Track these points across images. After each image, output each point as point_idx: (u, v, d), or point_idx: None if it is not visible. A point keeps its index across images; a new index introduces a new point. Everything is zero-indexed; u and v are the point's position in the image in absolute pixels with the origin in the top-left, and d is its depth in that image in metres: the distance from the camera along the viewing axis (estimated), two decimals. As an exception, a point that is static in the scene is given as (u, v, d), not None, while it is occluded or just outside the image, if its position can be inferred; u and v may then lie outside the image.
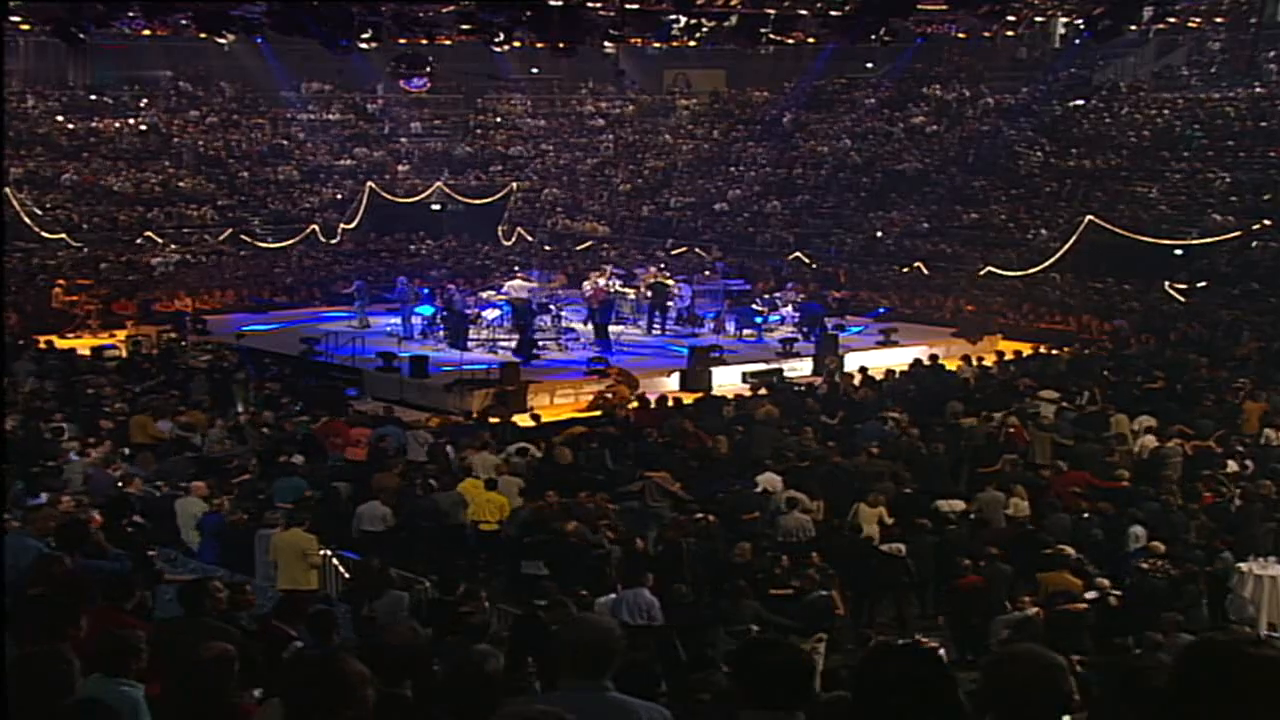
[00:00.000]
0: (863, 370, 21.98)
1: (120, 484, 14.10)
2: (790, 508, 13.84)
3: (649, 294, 27.98)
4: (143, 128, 40.77)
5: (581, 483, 14.97)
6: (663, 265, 32.45)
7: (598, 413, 20.52)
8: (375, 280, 31.37)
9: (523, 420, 19.47)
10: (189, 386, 20.68)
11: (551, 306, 27.03)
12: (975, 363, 22.55)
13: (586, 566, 12.57)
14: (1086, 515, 13.68)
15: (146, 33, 33.80)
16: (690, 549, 12.82)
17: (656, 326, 27.81)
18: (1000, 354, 23.49)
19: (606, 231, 40.60)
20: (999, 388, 20.66)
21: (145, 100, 41.93)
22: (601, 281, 28.36)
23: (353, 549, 13.18)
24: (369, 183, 41.33)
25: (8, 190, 33.95)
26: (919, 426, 17.51)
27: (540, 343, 25.29)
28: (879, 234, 35.60)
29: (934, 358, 23.13)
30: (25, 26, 33.92)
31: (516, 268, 33.49)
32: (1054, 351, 23.96)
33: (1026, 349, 24.79)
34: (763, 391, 21.36)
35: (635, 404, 20.46)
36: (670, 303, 28.27)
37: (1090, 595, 11.40)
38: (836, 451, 16.29)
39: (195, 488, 14.01)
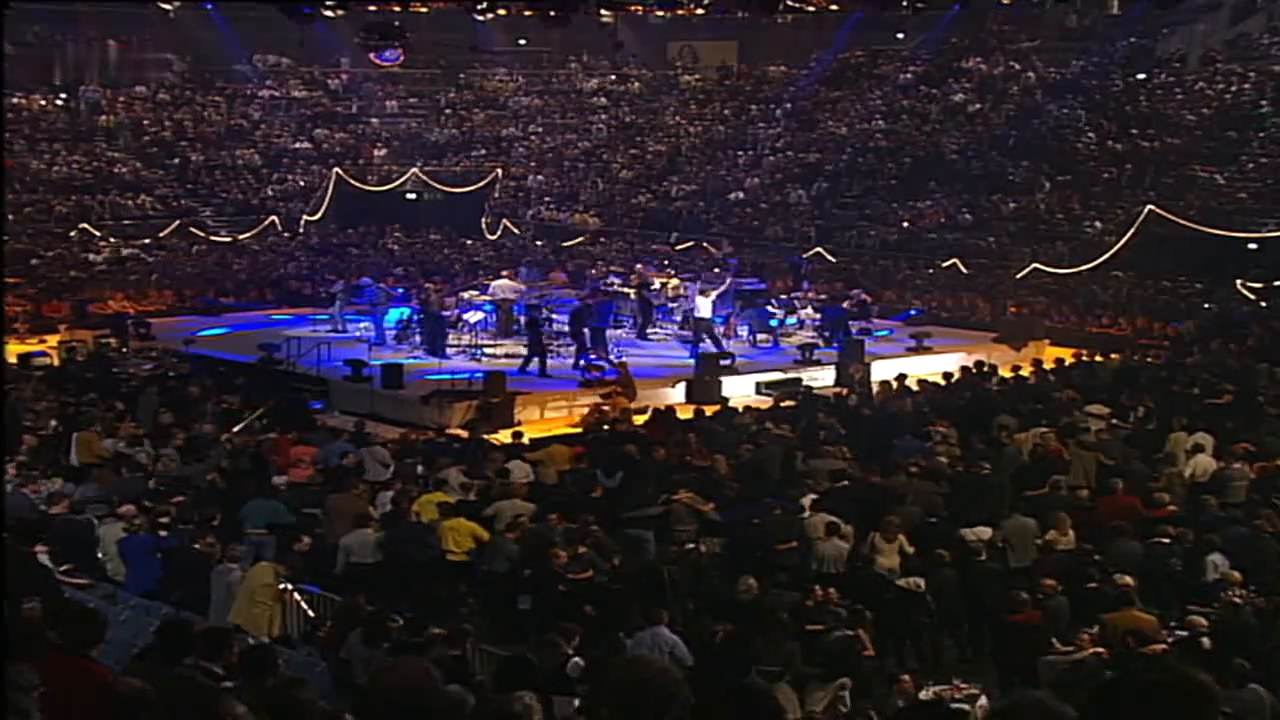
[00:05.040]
0: (901, 378, 22.00)
1: (44, 506, 14.06)
2: (830, 534, 13.82)
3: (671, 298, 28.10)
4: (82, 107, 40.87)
5: (573, 506, 14.97)
6: (666, 263, 32.50)
7: (580, 430, 20.47)
8: (351, 279, 31.37)
9: (504, 437, 19.45)
10: (137, 399, 20.69)
11: (543, 309, 27.05)
12: (1011, 371, 22.53)
13: (585, 601, 12.56)
14: (1169, 541, 13.64)
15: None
16: (672, 579, 12.77)
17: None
18: (1038, 362, 23.47)
19: (601, 224, 40.63)
20: (1040, 400, 20.63)
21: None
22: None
23: (332, 583, 13.12)
24: (335, 169, 41.38)
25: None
26: (963, 444, 17.53)
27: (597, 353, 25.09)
28: (911, 226, 35.61)
29: (979, 364, 23.18)
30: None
31: (518, 264, 33.53)
32: (1099, 359, 23.96)
33: (1076, 356, 24.76)
34: (787, 403, 21.34)
35: (641, 418, 20.42)
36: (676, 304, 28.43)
37: (1172, 635, 11.32)
38: (873, 471, 16.29)
39: (124, 511, 13.87)
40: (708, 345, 25.65)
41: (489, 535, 14.09)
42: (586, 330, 24.80)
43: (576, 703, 8.98)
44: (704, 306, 26.19)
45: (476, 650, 11.12)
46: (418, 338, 26.26)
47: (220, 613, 11.96)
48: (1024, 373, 22.67)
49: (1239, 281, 29.09)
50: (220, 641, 7.86)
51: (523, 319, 26.28)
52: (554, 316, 26.84)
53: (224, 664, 7.56)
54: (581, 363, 24.17)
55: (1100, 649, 11.24)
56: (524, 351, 25.62)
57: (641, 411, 20.97)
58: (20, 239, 34.76)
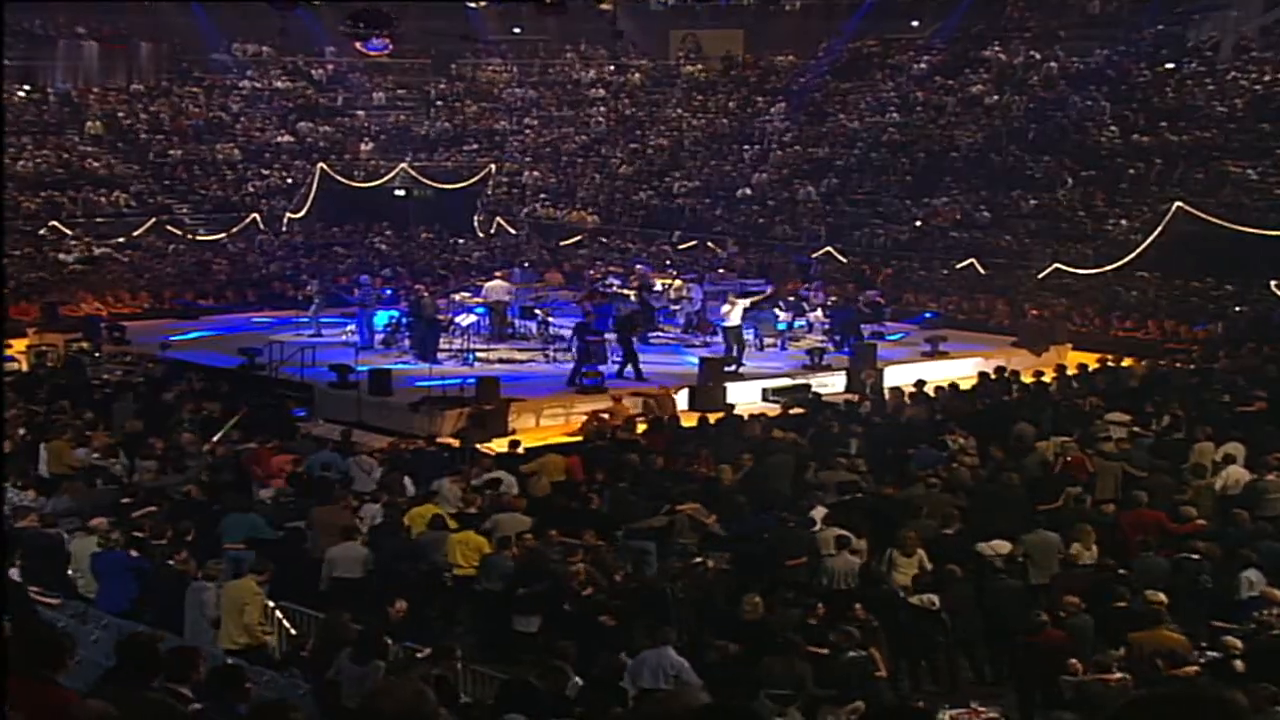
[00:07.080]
0: (919, 385, 22.03)
1: (11, 520, 14.02)
2: (840, 548, 13.83)
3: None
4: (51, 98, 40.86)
5: (570, 518, 14.98)
6: (668, 263, 32.52)
7: (580, 438, 20.48)
8: (332, 279, 31.33)
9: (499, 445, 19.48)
10: (111, 406, 20.67)
11: (537, 311, 27.04)
12: (1033, 377, 22.59)
13: (583, 619, 12.56)
14: (1197, 558, 13.60)
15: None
16: (675, 596, 12.80)
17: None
18: (1061, 367, 23.54)
19: (599, 222, 40.65)
20: (1062, 407, 20.64)
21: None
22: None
23: (315, 599, 13.09)
24: (320, 164, 41.39)
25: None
26: (981, 454, 17.54)
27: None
28: (926, 224, 35.62)
29: (1000, 370, 23.21)
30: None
31: (511, 265, 33.58)
32: (1125, 364, 23.93)
33: (1101, 361, 24.78)
34: (795, 410, 21.35)
35: (643, 425, 20.44)
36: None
37: (1203, 656, 11.28)
38: (887, 482, 16.27)
39: (96, 525, 13.83)
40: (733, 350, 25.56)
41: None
42: (634, 338, 24.83)
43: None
44: (734, 316, 25.96)
45: (468, 671, 11.11)
46: (406, 341, 26.26)
47: (196, 631, 11.95)
48: (1045, 378, 22.69)
49: (1273, 283, 29.06)
50: (186, 662, 7.85)
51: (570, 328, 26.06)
52: (550, 319, 26.87)
53: (191, 685, 7.57)
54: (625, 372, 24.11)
55: (1126, 674, 11.22)
56: (520, 355, 25.73)
57: (641, 420, 20.97)
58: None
